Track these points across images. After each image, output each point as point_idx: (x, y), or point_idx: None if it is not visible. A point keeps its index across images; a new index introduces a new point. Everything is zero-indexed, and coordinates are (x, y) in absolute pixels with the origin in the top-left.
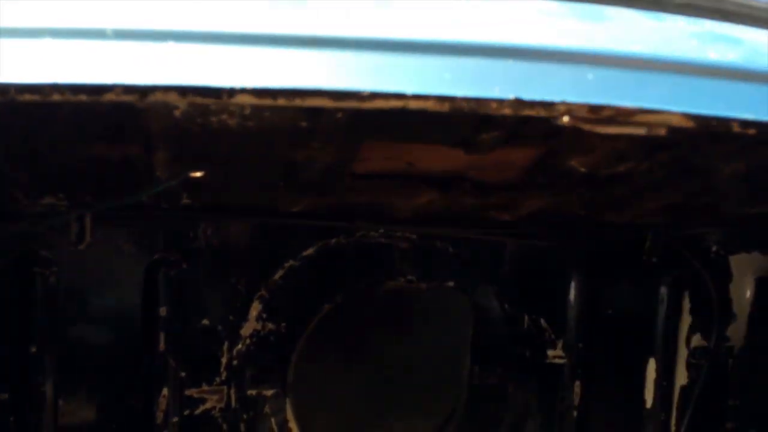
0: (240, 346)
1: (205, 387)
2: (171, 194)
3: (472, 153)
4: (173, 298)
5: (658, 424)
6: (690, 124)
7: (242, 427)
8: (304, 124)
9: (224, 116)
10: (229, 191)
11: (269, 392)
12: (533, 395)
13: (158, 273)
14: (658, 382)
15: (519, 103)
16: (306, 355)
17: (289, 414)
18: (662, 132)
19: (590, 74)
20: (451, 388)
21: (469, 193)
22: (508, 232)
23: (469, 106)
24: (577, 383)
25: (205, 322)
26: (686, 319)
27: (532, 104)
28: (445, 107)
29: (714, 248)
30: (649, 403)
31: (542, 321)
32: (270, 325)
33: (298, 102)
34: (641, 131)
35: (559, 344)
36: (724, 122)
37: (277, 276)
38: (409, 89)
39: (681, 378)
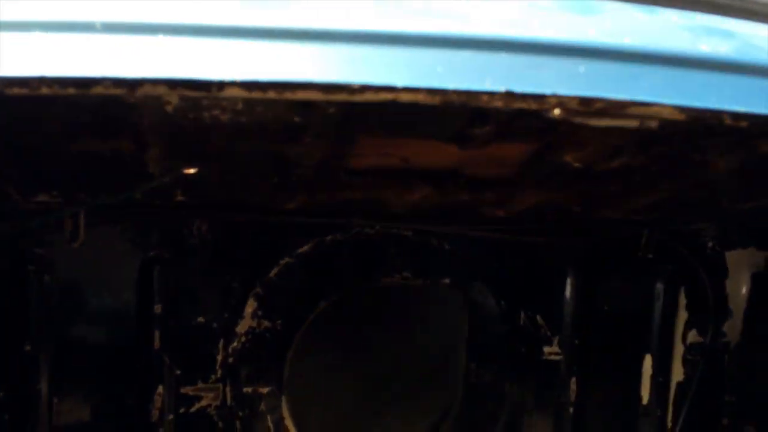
0: (235, 343)
1: (200, 385)
2: (165, 191)
3: (466, 148)
4: (168, 296)
5: (655, 419)
6: (681, 116)
7: (238, 424)
8: (296, 119)
9: (216, 111)
10: (223, 188)
11: (265, 390)
12: (529, 392)
13: (153, 270)
14: (654, 378)
15: (510, 95)
16: (302, 353)
17: (285, 411)
18: (654, 125)
19: (582, 67)
20: (447, 385)
21: (464, 189)
22: (504, 229)
23: (460, 99)
24: (574, 380)
25: (201, 319)
26: (682, 315)
27: (524, 97)
28: (436, 100)
29: (710, 244)
30: (645, 399)
31: (538, 317)
32: (266, 323)
33: (288, 95)
34: (633, 124)
35: (556, 341)
36: (716, 114)
37: (272, 273)
38: (400, 82)
39: (677, 374)
